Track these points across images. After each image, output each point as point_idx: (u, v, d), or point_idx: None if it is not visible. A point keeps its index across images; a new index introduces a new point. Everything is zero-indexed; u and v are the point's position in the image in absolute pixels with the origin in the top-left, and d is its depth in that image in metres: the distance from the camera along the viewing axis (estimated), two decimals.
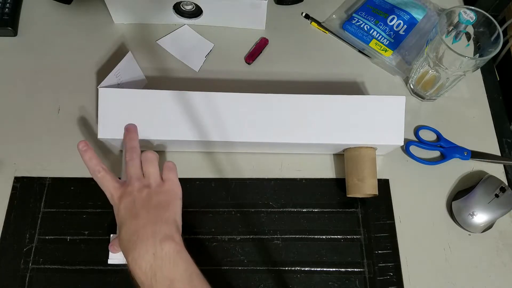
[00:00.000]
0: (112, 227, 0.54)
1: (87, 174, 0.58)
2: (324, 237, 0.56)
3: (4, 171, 0.58)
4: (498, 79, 0.70)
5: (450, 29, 0.59)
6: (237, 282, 0.54)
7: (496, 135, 0.64)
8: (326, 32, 0.70)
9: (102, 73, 0.64)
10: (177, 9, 0.66)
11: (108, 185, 0.47)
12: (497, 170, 0.61)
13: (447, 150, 0.61)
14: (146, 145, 0.57)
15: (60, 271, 0.53)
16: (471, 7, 0.56)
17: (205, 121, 0.53)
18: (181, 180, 0.58)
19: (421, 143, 0.62)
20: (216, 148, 0.59)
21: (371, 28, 0.68)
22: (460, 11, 0.56)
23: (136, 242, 0.41)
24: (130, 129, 0.51)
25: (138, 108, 0.53)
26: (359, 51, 0.69)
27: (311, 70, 0.67)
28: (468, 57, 0.53)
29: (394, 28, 0.68)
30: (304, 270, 0.55)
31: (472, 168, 0.61)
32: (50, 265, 0.53)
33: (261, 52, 0.67)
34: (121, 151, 0.58)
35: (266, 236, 0.56)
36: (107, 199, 0.55)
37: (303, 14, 0.71)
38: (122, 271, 0.53)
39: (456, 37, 0.60)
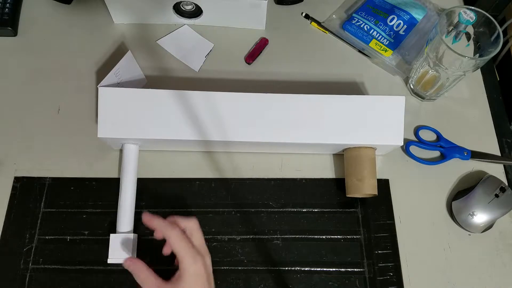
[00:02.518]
0: (112, 227, 0.54)
1: (87, 174, 0.58)
2: (324, 237, 0.56)
3: (4, 171, 0.58)
4: (498, 79, 0.70)
5: (450, 29, 0.59)
6: (237, 282, 0.54)
7: (496, 135, 0.64)
8: (326, 32, 0.70)
9: (102, 72, 0.64)
10: (177, 9, 0.66)
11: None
12: (497, 170, 0.61)
13: (447, 150, 0.61)
14: (146, 145, 0.57)
15: (60, 271, 0.53)
16: (471, 7, 0.56)
17: (205, 121, 0.53)
18: (181, 180, 0.58)
19: (421, 143, 0.62)
20: (216, 147, 0.59)
21: (371, 28, 0.68)
22: (460, 11, 0.56)
23: None
24: (148, 216, 0.47)
25: (137, 107, 0.53)
26: (359, 51, 0.69)
27: (311, 70, 0.67)
28: (468, 57, 0.53)
29: (394, 28, 0.68)
30: (304, 270, 0.55)
31: (472, 168, 0.61)
32: (50, 265, 0.53)
33: (261, 52, 0.67)
34: (121, 150, 0.58)
35: (266, 236, 0.56)
36: (107, 199, 0.55)
37: (303, 14, 0.71)
38: (122, 271, 0.53)
39: (456, 37, 0.60)
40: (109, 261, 0.51)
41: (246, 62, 0.67)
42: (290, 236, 0.56)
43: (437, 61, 0.57)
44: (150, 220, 0.46)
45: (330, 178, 0.60)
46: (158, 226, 0.46)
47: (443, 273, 0.55)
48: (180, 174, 0.59)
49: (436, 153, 0.62)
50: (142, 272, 0.45)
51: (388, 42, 0.68)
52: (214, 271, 0.54)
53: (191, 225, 0.47)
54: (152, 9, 0.66)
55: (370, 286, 0.54)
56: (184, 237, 0.45)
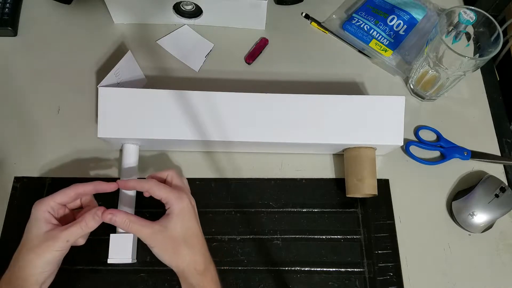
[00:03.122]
0: (112, 227, 0.54)
1: (87, 174, 0.58)
2: (324, 237, 0.56)
3: (4, 171, 0.58)
4: (498, 79, 0.70)
5: (450, 29, 0.59)
6: (237, 282, 0.54)
7: (496, 135, 0.64)
8: (326, 32, 0.70)
9: (102, 72, 0.64)
10: (177, 9, 0.66)
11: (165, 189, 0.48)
12: (497, 170, 0.61)
13: (447, 150, 0.61)
14: (146, 145, 0.57)
15: (59, 271, 0.53)
16: (471, 7, 0.56)
17: (205, 121, 0.53)
18: None
19: (421, 143, 0.62)
20: (216, 147, 0.59)
21: (371, 28, 0.68)
22: (460, 11, 0.56)
23: (206, 251, 0.48)
24: (122, 181, 0.50)
25: (137, 107, 0.53)
26: (359, 51, 0.69)
27: (311, 70, 0.67)
28: (468, 57, 0.53)
29: (394, 28, 0.68)
30: (304, 270, 0.55)
31: (472, 168, 0.61)
32: None
33: (261, 52, 0.67)
34: (121, 150, 0.58)
35: (266, 236, 0.56)
36: (107, 199, 0.55)
37: (303, 14, 0.71)
38: (122, 271, 0.53)
39: (456, 37, 0.60)
40: (109, 261, 0.51)
41: (246, 62, 0.67)
42: (290, 236, 0.56)
43: (437, 61, 0.57)
44: (125, 184, 0.49)
45: (330, 178, 0.60)
46: (134, 185, 0.49)
47: (443, 273, 0.55)
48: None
49: (436, 153, 0.62)
50: (125, 220, 0.46)
51: (388, 42, 0.68)
52: None
53: (170, 173, 0.50)
54: (152, 9, 0.66)
55: (370, 286, 0.54)
56: (161, 184, 0.47)
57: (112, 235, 0.52)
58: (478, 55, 0.59)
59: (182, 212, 0.46)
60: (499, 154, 0.63)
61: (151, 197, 0.54)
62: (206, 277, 0.45)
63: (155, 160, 0.59)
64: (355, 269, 0.55)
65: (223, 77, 0.65)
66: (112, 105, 0.52)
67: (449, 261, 0.56)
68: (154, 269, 0.54)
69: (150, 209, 0.56)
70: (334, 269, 0.55)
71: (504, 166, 0.62)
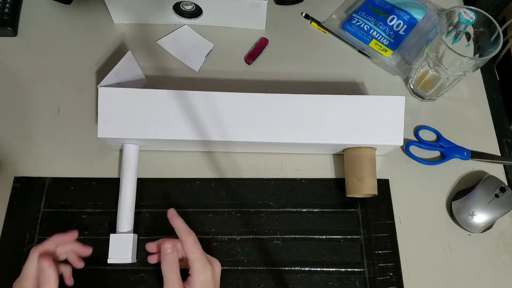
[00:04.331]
0: (112, 227, 0.54)
1: (87, 174, 0.58)
2: (324, 237, 0.56)
3: (4, 171, 0.58)
4: (498, 79, 0.70)
5: (450, 29, 0.59)
6: (237, 282, 0.54)
7: (496, 135, 0.64)
8: (326, 32, 0.70)
9: (102, 73, 0.64)
10: (177, 9, 0.66)
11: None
12: (497, 170, 0.61)
13: (447, 150, 0.61)
14: (146, 145, 0.57)
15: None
16: (471, 7, 0.56)
17: (205, 121, 0.53)
18: (181, 180, 0.58)
19: (421, 143, 0.62)
20: (216, 147, 0.59)
21: (371, 28, 0.68)
22: (460, 11, 0.56)
23: None
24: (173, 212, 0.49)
25: (137, 107, 0.53)
26: (359, 51, 0.69)
27: (311, 70, 0.67)
28: (468, 57, 0.53)
29: (394, 28, 0.68)
30: (304, 270, 0.55)
31: (472, 168, 0.61)
32: None
33: (261, 52, 0.67)
34: (121, 150, 0.58)
35: (266, 236, 0.56)
36: (107, 199, 0.55)
37: (303, 14, 0.71)
38: (122, 271, 0.53)
39: (456, 37, 0.60)
40: (109, 261, 0.51)
41: (246, 62, 0.67)
42: (290, 236, 0.56)
43: (437, 61, 0.57)
44: (173, 217, 0.47)
45: (330, 178, 0.60)
46: (178, 227, 0.47)
47: (443, 273, 0.55)
48: (180, 174, 0.59)
49: (436, 153, 0.62)
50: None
51: (388, 42, 0.68)
52: None
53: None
54: (152, 9, 0.66)
55: (370, 286, 0.54)
56: (198, 245, 0.46)
57: (112, 235, 0.52)
58: (478, 55, 0.59)
59: (201, 283, 0.45)
60: (499, 154, 0.63)
61: (150, 198, 0.55)
62: None
63: (155, 160, 0.59)
64: (355, 269, 0.55)
65: (223, 77, 0.65)
66: (112, 105, 0.52)
67: (449, 261, 0.56)
68: (154, 269, 0.54)
69: (150, 209, 0.56)
70: (334, 269, 0.55)
71: (504, 166, 0.62)
